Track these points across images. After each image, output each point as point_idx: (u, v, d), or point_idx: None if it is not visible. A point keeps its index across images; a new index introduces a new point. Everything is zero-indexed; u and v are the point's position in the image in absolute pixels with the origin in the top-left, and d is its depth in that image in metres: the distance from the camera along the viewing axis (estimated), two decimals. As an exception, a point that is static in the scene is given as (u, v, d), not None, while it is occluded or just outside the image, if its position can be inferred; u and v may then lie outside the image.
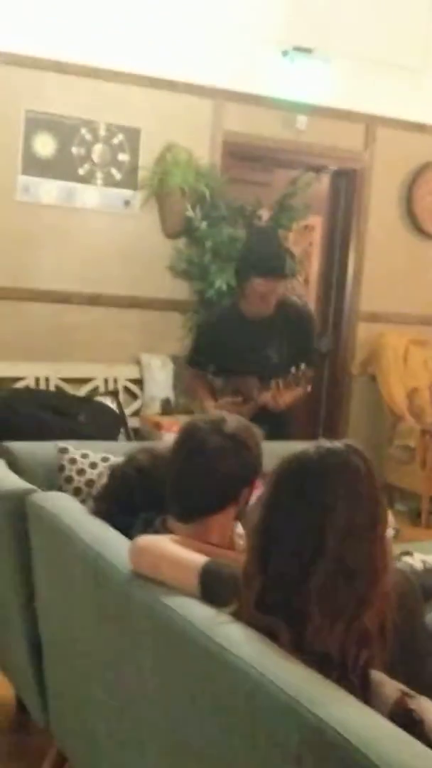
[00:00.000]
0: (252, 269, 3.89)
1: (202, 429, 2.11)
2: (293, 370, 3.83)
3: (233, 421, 2.16)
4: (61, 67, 5.46)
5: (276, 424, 3.68)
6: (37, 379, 5.57)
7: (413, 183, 6.58)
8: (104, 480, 2.60)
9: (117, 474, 2.50)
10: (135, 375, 5.92)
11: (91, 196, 5.68)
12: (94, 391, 5.73)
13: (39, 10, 5.37)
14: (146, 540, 1.98)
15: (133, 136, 5.73)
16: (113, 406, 5.46)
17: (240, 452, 2.11)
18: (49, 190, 5.57)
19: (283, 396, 3.86)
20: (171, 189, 5.71)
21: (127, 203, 5.77)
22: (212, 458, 2.08)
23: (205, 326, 4.52)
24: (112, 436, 5.03)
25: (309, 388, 3.99)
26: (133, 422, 5.66)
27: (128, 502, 2.41)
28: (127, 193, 5.76)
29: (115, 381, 5.86)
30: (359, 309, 6.64)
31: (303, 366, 3.84)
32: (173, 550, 1.92)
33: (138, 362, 5.91)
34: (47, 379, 5.61)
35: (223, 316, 4.32)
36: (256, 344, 3.94)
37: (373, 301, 6.63)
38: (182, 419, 5.73)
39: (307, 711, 1.40)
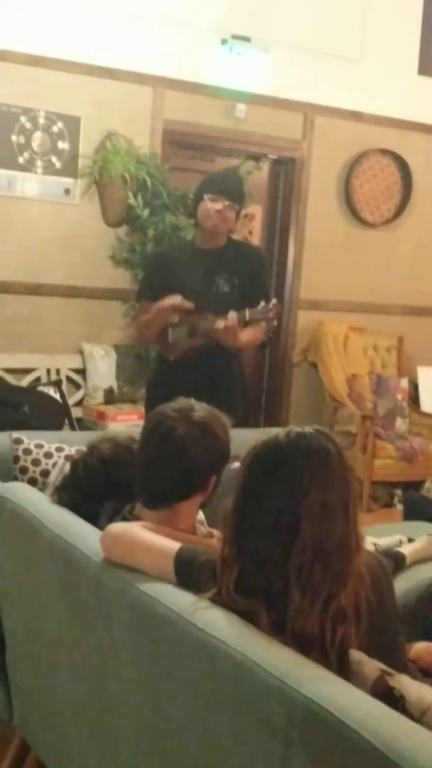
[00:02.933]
0: (204, 188, 3.88)
1: (170, 416, 2.11)
2: (262, 303, 3.75)
3: (201, 409, 2.16)
4: (0, 55, 5.39)
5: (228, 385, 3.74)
6: (-22, 370, 5.51)
7: (351, 171, 6.64)
8: (66, 470, 2.59)
9: (80, 464, 2.49)
10: (77, 365, 5.88)
11: (31, 184, 5.63)
12: (37, 381, 5.68)
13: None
14: (119, 527, 1.99)
15: (72, 124, 5.68)
16: (56, 396, 5.42)
17: (208, 440, 2.11)
18: (-11, 178, 5.51)
19: (242, 332, 3.77)
20: (112, 177, 5.68)
21: (67, 192, 5.73)
22: (181, 446, 2.08)
23: (155, 256, 4.47)
24: (56, 427, 4.99)
25: (275, 323, 3.92)
26: (76, 412, 5.63)
27: (92, 491, 2.41)
28: (67, 181, 5.72)
29: (58, 371, 5.81)
30: (299, 297, 6.69)
31: (273, 301, 3.78)
32: (147, 536, 1.93)
33: (80, 352, 5.88)
34: (-11, 370, 5.56)
35: (175, 247, 4.31)
36: (207, 273, 3.88)
37: (312, 289, 6.69)
38: (126, 408, 5.75)
39: (294, 691, 1.43)
